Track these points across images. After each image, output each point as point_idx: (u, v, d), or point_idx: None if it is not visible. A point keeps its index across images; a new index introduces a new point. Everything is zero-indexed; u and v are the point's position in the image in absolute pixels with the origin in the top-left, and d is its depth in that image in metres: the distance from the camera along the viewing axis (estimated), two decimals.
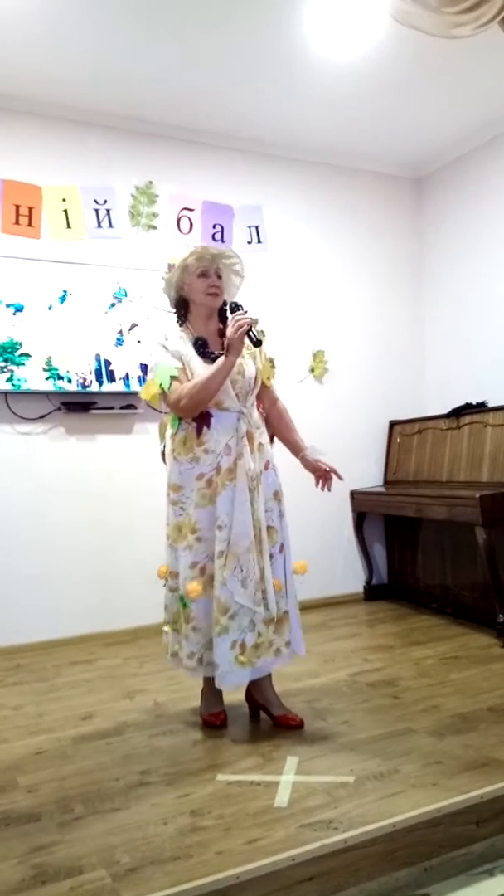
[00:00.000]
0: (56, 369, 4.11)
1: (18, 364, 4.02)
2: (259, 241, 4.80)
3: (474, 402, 4.64)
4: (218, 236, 4.65)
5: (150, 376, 2.79)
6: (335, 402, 5.06)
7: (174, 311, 2.88)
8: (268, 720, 2.84)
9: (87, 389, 4.19)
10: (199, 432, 2.69)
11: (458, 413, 4.65)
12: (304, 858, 1.87)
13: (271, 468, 2.82)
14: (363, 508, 4.99)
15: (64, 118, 4.28)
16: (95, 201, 4.34)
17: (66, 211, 4.25)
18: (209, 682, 2.84)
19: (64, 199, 4.25)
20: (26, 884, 1.82)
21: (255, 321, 2.64)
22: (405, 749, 2.53)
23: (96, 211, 4.34)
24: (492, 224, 4.79)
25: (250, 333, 2.62)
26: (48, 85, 4.02)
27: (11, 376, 4.00)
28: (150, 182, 4.49)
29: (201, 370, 2.66)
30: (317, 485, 2.90)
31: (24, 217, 4.15)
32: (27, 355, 4.04)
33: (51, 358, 4.09)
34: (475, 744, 2.54)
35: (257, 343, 2.65)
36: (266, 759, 2.50)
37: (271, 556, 2.74)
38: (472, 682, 3.23)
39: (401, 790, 2.21)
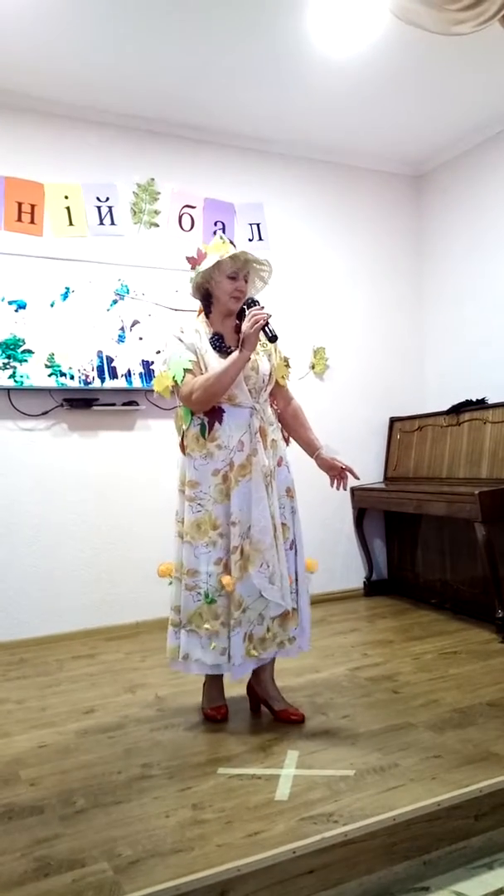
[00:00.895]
0: (58, 366, 4.12)
1: (21, 361, 4.04)
2: (260, 239, 4.81)
3: (474, 399, 4.65)
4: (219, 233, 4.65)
5: (162, 368, 2.79)
6: (336, 399, 5.07)
7: (196, 298, 2.85)
8: (269, 714, 2.86)
9: (90, 386, 4.20)
10: (210, 428, 2.69)
11: (457, 410, 4.66)
12: (305, 851, 1.89)
13: (284, 464, 2.83)
14: (363, 504, 5.01)
15: (66, 116, 4.28)
16: (97, 198, 4.34)
17: (68, 208, 4.26)
18: (212, 676, 2.86)
19: (66, 197, 4.26)
20: (29, 876, 1.83)
21: (271, 316, 2.64)
22: (405, 743, 2.55)
23: (98, 208, 4.35)
24: (491, 221, 4.80)
25: (266, 329, 2.61)
26: (51, 83, 4.02)
27: (14, 373, 4.02)
28: (152, 179, 4.50)
29: (215, 364, 2.66)
30: (332, 484, 2.90)
31: (27, 214, 4.15)
32: (30, 352, 4.05)
33: (53, 354, 4.11)
34: (474, 738, 2.56)
35: (273, 338, 2.64)
36: (267, 752, 2.52)
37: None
38: (471, 676, 3.25)
39: (400, 784, 2.23)
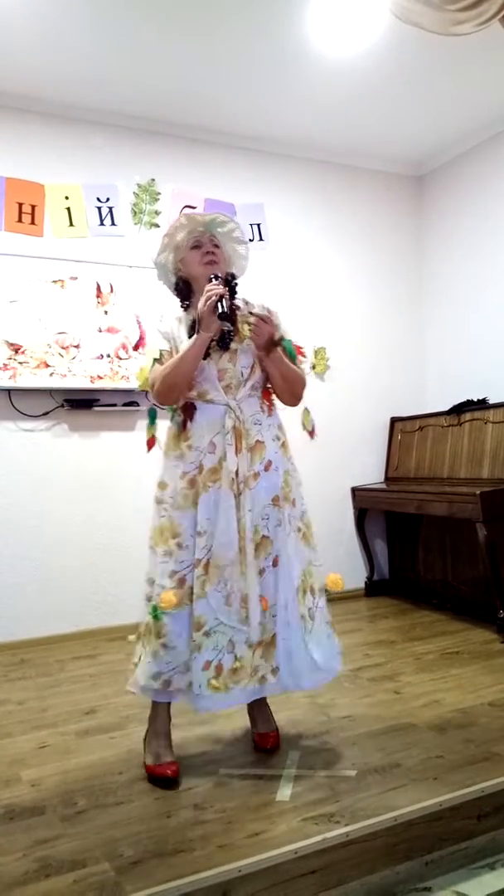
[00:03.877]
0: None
1: (21, 361, 4.03)
2: (261, 239, 4.79)
3: (475, 399, 4.65)
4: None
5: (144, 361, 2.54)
6: (337, 399, 5.07)
7: (176, 295, 2.56)
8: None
9: (91, 386, 4.20)
10: (183, 426, 2.42)
11: (458, 410, 4.66)
12: (307, 852, 1.89)
13: (273, 469, 2.45)
14: (364, 505, 5.00)
15: (67, 116, 4.29)
16: (98, 199, 4.33)
17: (68, 209, 4.25)
18: (161, 719, 2.45)
19: (66, 197, 4.25)
20: (30, 877, 1.83)
21: (230, 290, 2.38)
22: (406, 743, 2.54)
23: (99, 209, 4.33)
24: (493, 221, 4.80)
25: (219, 304, 2.27)
26: (51, 84, 4.02)
27: (15, 373, 4.01)
28: (153, 180, 4.49)
29: None
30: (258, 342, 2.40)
31: (27, 215, 4.14)
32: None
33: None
34: (476, 738, 2.56)
35: (222, 315, 2.28)
36: (268, 753, 2.51)
37: (263, 571, 2.39)
38: (472, 676, 3.24)
39: (402, 784, 2.23)
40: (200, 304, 2.29)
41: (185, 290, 2.52)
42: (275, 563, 2.43)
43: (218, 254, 2.46)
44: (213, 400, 2.40)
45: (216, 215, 2.51)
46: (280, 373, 2.48)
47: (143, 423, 4.39)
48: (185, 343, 2.37)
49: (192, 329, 2.39)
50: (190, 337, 2.37)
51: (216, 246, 2.47)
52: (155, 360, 2.41)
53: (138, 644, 2.44)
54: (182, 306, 2.53)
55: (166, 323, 2.49)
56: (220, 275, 2.39)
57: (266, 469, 2.44)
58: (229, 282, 2.43)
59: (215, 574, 2.31)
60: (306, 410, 2.62)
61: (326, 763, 2.41)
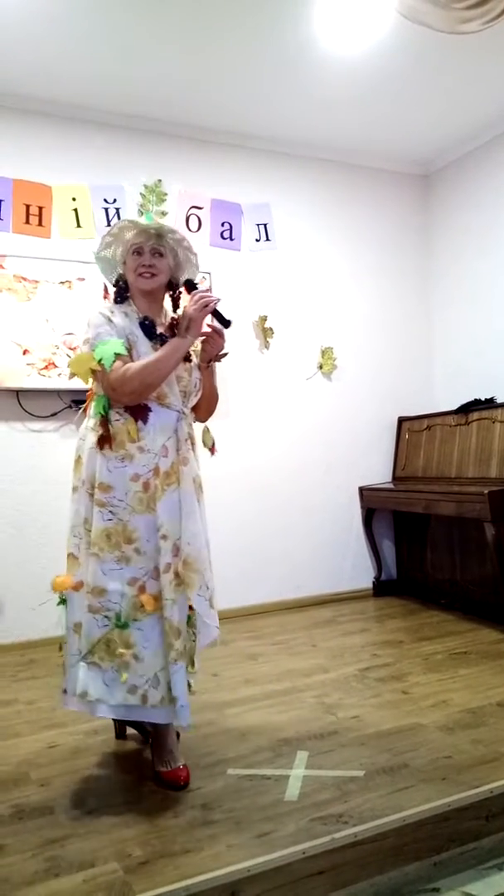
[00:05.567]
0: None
1: (29, 362, 4.05)
2: (268, 239, 4.80)
3: (483, 398, 4.64)
4: (227, 234, 4.65)
5: (84, 347, 2.36)
6: (344, 399, 5.07)
7: (115, 291, 2.48)
8: (275, 715, 2.85)
9: None
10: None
11: (466, 409, 4.65)
12: (315, 852, 1.89)
13: None
14: (372, 505, 5.00)
15: (73, 118, 4.30)
16: (105, 200, 4.35)
17: (75, 210, 4.27)
18: (161, 727, 2.40)
19: (74, 199, 4.26)
20: (39, 876, 1.84)
21: (220, 300, 2.38)
22: (414, 744, 2.54)
23: (106, 210, 4.35)
24: (500, 220, 4.78)
25: (218, 313, 2.34)
26: (57, 85, 4.03)
27: (23, 374, 4.03)
28: (159, 181, 4.50)
29: (149, 354, 2.31)
30: (212, 356, 2.48)
31: (35, 216, 4.16)
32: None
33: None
34: (485, 738, 2.55)
35: (228, 324, 2.36)
36: (276, 753, 2.52)
37: None
38: (481, 677, 3.24)
39: (410, 785, 2.23)
40: (192, 309, 2.32)
41: (124, 288, 2.45)
42: None
43: (157, 265, 2.38)
44: (171, 405, 2.36)
45: (165, 226, 2.42)
46: (210, 387, 2.53)
47: None
48: (141, 341, 2.34)
49: (144, 327, 2.36)
50: (147, 335, 2.35)
51: (160, 255, 2.39)
52: (117, 354, 2.27)
53: (82, 669, 2.29)
54: (117, 301, 2.45)
55: (119, 317, 2.37)
56: (197, 283, 2.43)
57: None
58: (190, 286, 2.43)
59: (195, 579, 2.27)
60: (207, 429, 2.63)
61: (334, 763, 2.41)
